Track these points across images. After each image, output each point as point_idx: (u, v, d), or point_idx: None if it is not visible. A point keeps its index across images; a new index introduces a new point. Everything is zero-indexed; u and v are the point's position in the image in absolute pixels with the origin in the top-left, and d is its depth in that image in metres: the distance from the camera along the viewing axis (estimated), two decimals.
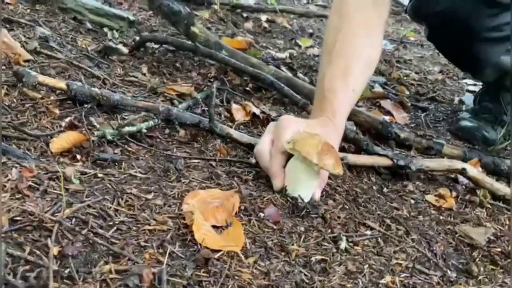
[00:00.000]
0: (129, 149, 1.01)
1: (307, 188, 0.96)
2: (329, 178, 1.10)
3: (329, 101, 1.05)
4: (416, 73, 2.23)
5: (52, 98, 1.12)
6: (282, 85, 1.45)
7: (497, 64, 1.49)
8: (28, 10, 1.66)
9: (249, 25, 2.33)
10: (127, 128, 1.03)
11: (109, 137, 0.98)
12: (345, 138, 1.27)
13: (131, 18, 1.87)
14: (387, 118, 1.56)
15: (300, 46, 2.22)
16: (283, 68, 1.77)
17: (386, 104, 1.68)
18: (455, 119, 1.73)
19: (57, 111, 1.08)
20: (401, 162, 1.19)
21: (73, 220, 0.74)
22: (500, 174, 1.34)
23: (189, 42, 1.57)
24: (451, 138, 1.61)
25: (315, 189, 0.97)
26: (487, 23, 1.35)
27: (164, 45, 1.64)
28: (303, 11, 2.79)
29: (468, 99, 1.91)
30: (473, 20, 1.34)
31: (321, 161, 0.90)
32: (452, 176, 1.28)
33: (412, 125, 1.64)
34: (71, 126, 1.02)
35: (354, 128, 1.37)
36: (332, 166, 0.92)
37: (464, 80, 2.24)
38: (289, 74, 1.64)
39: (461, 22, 1.35)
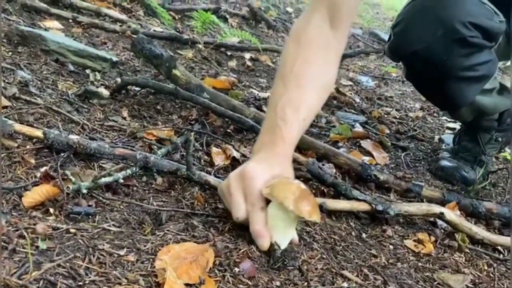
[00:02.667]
0: (104, 200, 1.00)
1: (284, 234, 0.95)
2: (308, 225, 1.11)
3: (280, 130, 1.04)
4: (397, 110, 2.27)
5: (28, 147, 1.11)
6: None
7: (472, 104, 1.51)
8: (10, 53, 1.66)
9: (232, 63, 2.36)
10: (103, 179, 1.02)
11: (84, 191, 0.97)
12: (324, 182, 1.28)
13: (114, 59, 1.88)
14: (367, 158, 1.57)
15: None
16: (264, 108, 1.78)
17: (366, 144, 1.69)
18: (435, 158, 1.75)
19: (33, 160, 1.07)
20: (380, 207, 1.19)
21: (41, 282, 0.72)
22: (478, 217, 1.35)
23: (170, 86, 1.58)
24: (430, 178, 1.62)
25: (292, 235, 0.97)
26: (462, 63, 1.37)
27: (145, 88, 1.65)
28: None
29: (448, 137, 1.94)
30: (448, 60, 1.36)
31: (297, 208, 0.90)
32: (431, 219, 1.28)
33: (392, 165, 1.66)
34: (46, 177, 1.01)
35: (334, 171, 1.38)
36: (308, 213, 0.90)
37: (444, 117, 2.28)
38: None
39: (437, 61, 1.37)
